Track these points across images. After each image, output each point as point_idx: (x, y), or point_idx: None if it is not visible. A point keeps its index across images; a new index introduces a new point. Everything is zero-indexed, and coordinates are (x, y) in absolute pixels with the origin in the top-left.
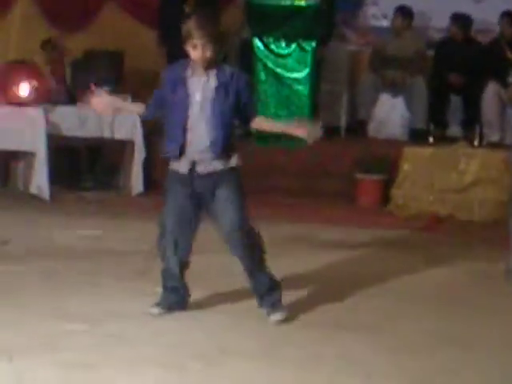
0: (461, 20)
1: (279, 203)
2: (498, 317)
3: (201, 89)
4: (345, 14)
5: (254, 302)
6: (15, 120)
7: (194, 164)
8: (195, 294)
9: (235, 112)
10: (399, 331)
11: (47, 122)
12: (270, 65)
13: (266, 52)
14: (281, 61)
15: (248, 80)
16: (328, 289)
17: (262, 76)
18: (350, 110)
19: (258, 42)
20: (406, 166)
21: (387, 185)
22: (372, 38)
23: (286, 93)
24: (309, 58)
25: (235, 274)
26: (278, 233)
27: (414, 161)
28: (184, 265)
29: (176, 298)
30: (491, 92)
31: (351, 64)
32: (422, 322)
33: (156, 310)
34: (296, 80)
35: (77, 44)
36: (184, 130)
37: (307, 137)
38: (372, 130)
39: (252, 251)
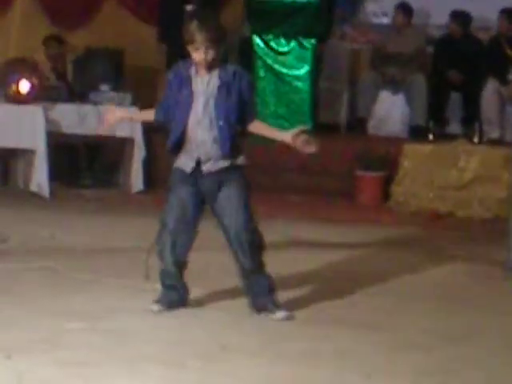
0: (460, 17)
1: (279, 201)
2: (497, 315)
3: (204, 88)
4: (345, 12)
5: None
6: (15, 118)
7: (199, 163)
8: (195, 292)
9: (237, 111)
10: (399, 329)
11: (47, 119)
12: (269, 62)
13: (266, 49)
14: (280, 58)
15: (250, 80)
16: (328, 287)
17: (262, 73)
18: (350, 108)
19: (257, 40)
20: (406, 163)
21: (387, 182)
22: (372, 36)
23: (285, 90)
24: (308, 56)
25: (235, 271)
26: (277, 230)
27: (414, 158)
28: (182, 264)
29: (175, 296)
30: (491, 89)
31: (351, 61)
32: (422, 321)
33: (156, 307)
34: (296, 77)
35: (77, 41)
36: (186, 128)
37: (301, 150)
38: (372, 127)
39: (255, 251)
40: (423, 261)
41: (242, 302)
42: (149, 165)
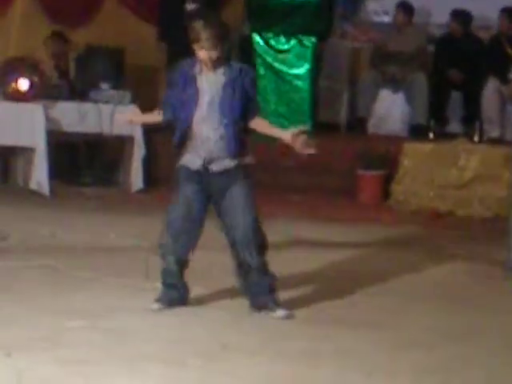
0: (461, 16)
1: (279, 199)
2: (497, 314)
3: (209, 86)
4: (345, 10)
5: None
6: (15, 116)
7: (206, 161)
8: (197, 291)
9: (242, 108)
10: (399, 328)
11: (47, 117)
12: (269, 60)
13: (266, 48)
14: (281, 56)
15: (254, 77)
16: (328, 286)
17: (262, 72)
18: (350, 107)
19: (257, 38)
20: (406, 162)
21: (387, 181)
22: (373, 34)
23: (285, 89)
24: (309, 54)
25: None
26: (278, 229)
27: (414, 157)
28: (183, 263)
29: (176, 295)
30: (491, 88)
31: (352, 60)
32: (423, 320)
33: (156, 306)
34: (296, 76)
35: (77, 40)
36: (191, 126)
37: (300, 150)
38: (372, 126)
39: (261, 250)
40: (423, 260)
41: (243, 302)
42: (149, 163)
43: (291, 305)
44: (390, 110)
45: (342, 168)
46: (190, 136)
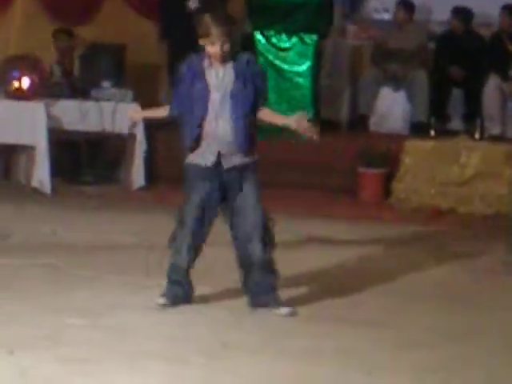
0: (462, 13)
1: (280, 197)
2: (499, 312)
3: (219, 81)
4: (346, 8)
5: None
6: (16, 114)
7: (218, 157)
8: (201, 289)
9: (252, 100)
10: (401, 327)
11: (48, 115)
12: (270, 58)
13: (267, 45)
14: (282, 54)
15: (262, 67)
16: (330, 284)
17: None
18: (351, 104)
19: (259, 36)
20: (407, 160)
21: (389, 178)
22: (373, 32)
23: (286, 86)
24: (310, 52)
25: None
26: (278, 228)
27: (416, 154)
28: (193, 263)
29: (180, 292)
30: (492, 85)
31: (353, 58)
32: (424, 319)
33: (161, 300)
34: (297, 73)
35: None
36: (203, 123)
37: (304, 133)
38: (373, 124)
39: (270, 248)
40: (425, 258)
41: (245, 300)
42: (150, 161)
43: (293, 303)
44: (391, 107)
45: (343, 166)
46: (203, 132)
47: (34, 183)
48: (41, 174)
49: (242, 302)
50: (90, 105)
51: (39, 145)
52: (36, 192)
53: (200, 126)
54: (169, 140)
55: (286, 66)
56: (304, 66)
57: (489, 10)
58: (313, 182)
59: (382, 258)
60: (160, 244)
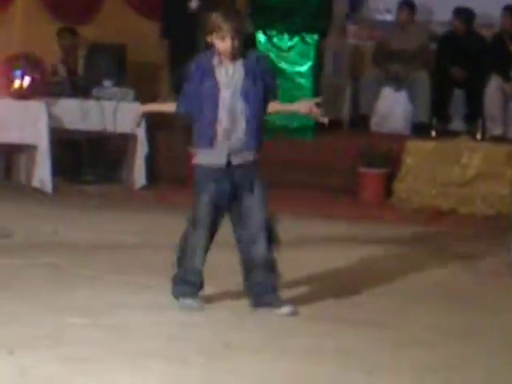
0: (463, 14)
1: (280, 197)
2: (498, 313)
3: (229, 79)
4: (347, 8)
5: None
6: (17, 113)
7: (230, 155)
8: (203, 290)
9: (263, 97)
10: (401, 327)
11: (50, 115)
12: (272, 58)
13: (269, 45)
14: (284, 54)
15: (270, 63)
16: (331, 284)
17: None
18: (352, 104)
19: (260, 36)
20: (408, 160)
21: (390, 179)
22: (375, 32)
23: (288, 86)
24: (311, 52)
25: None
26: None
27: (417, 155)
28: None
29: (195, 291)
30: (494, 86)
31: (354, 58)
32: (425, 318)
33: (189, 302)
34: (298, 73)
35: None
36: (217, 123)
37: (316, 118)
38: (375, 124)
39: (274, 248)
40: (426, 258)
41: (247, 301)
42: (151, 161)
43: (294, 302)
44: (393, 108)
45: (344, 166)
46: (215, 131)
47: (35, 183)
48: (42, 174)
49: (244, 302)
50: (91, 104)
51: (40, 144)
52: (37, 191)
53: (212, 125)
54: (170, 140)
55: (287, 66)
56: (305, 66)
57: (490, 10)
58: (313, 181)
59: (383, 257)
60: (162, 243)
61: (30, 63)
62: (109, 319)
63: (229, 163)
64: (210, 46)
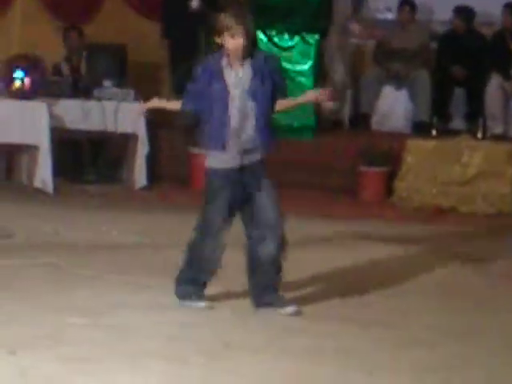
0: (464, 12)
1: (281, 197)
2: (498, 313)
3: (238, 80)
4: (348, 7)
5: None
6: (18, 113)
7: (241, 156)
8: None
9: (271, 97)
10: (401, 327)
11: (51, 115)
12: None
13: (270, 45)
14: (285, 54)
15: (279, 62)
16: (331, 284)
17: None
18: (353, 103)
19: (261, 35)
20: (409, 159)
21: (390, 177)
22: (376, 31)
23: (289, 85)
24: (312, 51)
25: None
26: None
27: (418, 153)
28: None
29: (201, 292)
30: (495, 84)
31: (354, 57)
32: (425, 318)
33: (202, 304)
34: (299, 73)
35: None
36: (227, 125)
37: (324, 105)
38: (375, 123)
39: (280, 248)
40: (426, 257)
41: (250, 301)
42: (152, 160)
43: (295, 302)
44: (393, 106)
45: (344, 164)
46: (227, 133)
47: (37, 183)
48: (43, 174)
49: (245, 302)
50: (92, 104)
51: (42, 144)
52: (38, 191)
53: (222, 127)
54: (171, 139)
55: (288, 66)
56: (306, 66)
57: (491, 8)
58: (314, 181)
59: (383, 257)
60: (162, 243)
61: (31, 63)
62: (109, 319)
63: (242, 163)
64: (214, 47)
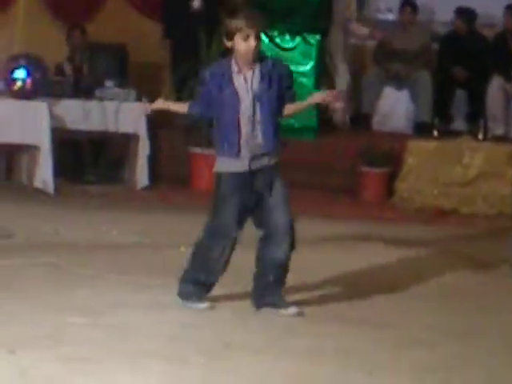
0: (465, 14)
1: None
2: (499, 313)
3: (249, 85)
4: (349, 7)
5: None
6: (19, 113)
7: (250, 161)
8: None
9: (280, 101)
10: (401, 327)
11: (51, 115)
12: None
13: (271, 46)
14: (285, 54)
15: (288, 68)
16: (330, 284)
17: None
18: (354, 104)
19: (262, 36)
20: (410, 160)
21: (391, 178)
22: (376, 32)
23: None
24: (313, 51)
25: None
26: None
27: (419, 154)
28: None
29: (203, 293)
30: (496, 86)
31: (355, 57)
32: (425, 318)
33: (205, 305)
34: (301, 73)
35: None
36: (238, 130)
37: (332, 106)
38: (376, 123)
39: (290, 252)
40: (427, 258)
41: (251, 301)
42: (153, 161)
43: (296, 303)
44: (394, 107)
45: (345, 165)
46: (239, 138)
47: (37, 183)
48: (44, 174)
49: (246, 303)
50: (93, 104)
51: (42, 144)
52: (38, 192)
53: (234, 132)
54: (172, 140)
55: (290, 66)
56: (308, 66)
57: (492, 10)
58: (314, 181)
59: (384, 257)
60: (162, 243)
61: (32, 63)
62: (109, 319)
63: (250, 168)
64: (222, 51)
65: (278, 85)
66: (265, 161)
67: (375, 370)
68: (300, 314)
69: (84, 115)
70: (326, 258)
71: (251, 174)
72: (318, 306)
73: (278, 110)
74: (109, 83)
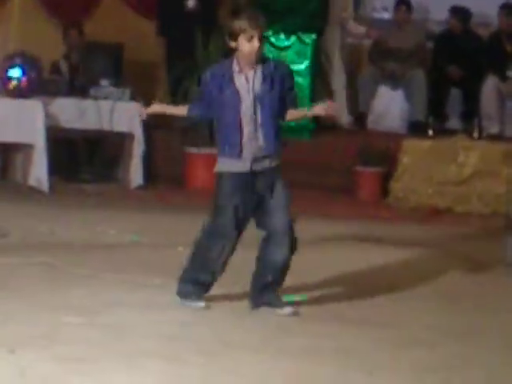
0: (460, 13)
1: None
2: (498, 312)
3: (250, 86)
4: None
5: None
6: (14, 112)
7: (251, 162)
8: None
9: (281, 103)
10: (400, 327)
11: (46, 113)
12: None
13: (266, 45)
14: (281, 54)
15: (289, 70)
16: (329, 284)
17: None
18: (349, 103)
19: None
20: (405, 159)
21: (386, 178)
22: (372, 31)
23: None
24: (309, 51)
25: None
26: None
27: (414, 153)
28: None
29: (202, 293)
30: (490, 85)
31: (352, 57)
32: (424, 318)
33: (202, 304)
34: (296, 73)
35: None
36: (240, 130)
37: (331, 117)
38: (371, 122)
39: (291, 251)
40: (423, 257)
41: (248, 300)
42: (148, 160)
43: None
44: (389, 106)
45: (340, 164)
46: (240, 138)
47: (32, 181)
48: (39, 173)
49: (245, 303)
50: (88, 103)
51: (37, 143)
52: (33, 190)
53: (235, 132)
54: (167, 139)
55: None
56: (303, 66)
57: (487, 9)
58: (311, 181)
59: (380, 257)
60: (158, 242)
61: (27, 61)
62: (105, 318)
63: (252, 169)
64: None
65: (280, 86)
66: (266, 163)
67: (375, 369)
68: (295, 314)
69: (79, 114)
70: (326, 257)
71: (252, 174)
72: (316, 305)
73: (279, 112)
74: (104, 82)
